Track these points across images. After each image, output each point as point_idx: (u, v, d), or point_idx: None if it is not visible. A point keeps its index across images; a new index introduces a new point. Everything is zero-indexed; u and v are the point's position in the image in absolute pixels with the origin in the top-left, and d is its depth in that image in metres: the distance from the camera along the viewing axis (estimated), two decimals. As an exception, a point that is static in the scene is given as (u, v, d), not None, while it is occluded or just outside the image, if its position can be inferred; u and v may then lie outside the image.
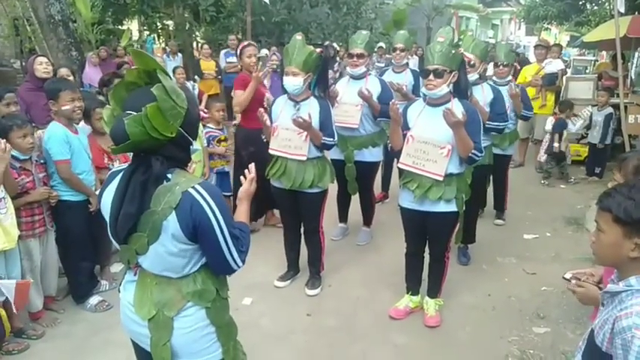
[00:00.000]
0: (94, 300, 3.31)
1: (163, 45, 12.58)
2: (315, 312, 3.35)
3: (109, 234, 1.59)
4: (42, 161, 3.07)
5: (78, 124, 3.29)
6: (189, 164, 1.68)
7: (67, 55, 7.52)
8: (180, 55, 9.60)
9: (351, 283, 3.73)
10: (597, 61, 12.77)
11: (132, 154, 1.57)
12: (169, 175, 1.53)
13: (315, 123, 3.20)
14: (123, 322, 1.74)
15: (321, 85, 3.34)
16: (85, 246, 3.17)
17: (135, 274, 1.66)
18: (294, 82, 3.14)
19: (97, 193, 2.85)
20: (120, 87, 1.54)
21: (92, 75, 7.57)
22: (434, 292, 3.23)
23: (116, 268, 3.76)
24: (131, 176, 1.51)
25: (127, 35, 12.09)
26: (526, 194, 5.71)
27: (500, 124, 3.73)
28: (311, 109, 3.22)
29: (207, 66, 8.40)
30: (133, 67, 1.55)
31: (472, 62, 3.41)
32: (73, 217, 3.13)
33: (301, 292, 3.58)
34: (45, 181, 3.05)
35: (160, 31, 12.97)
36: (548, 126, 6.33)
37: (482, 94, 3.69)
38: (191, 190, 1.51)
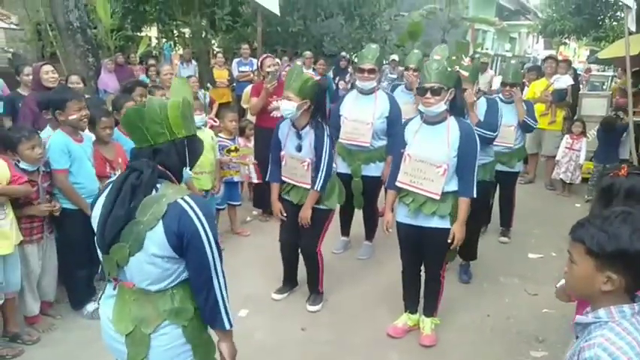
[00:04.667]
0: (91, 307, 3.33)
1: (180, 52, 12.73)
2: (310, 326, 3.33)
3: (95, 242, 1.61)
4: (48, 170, 3.10)
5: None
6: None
7: (83, 61, 7.65)
8: (194, 62, 9.69)
9: (348, 297, 3.71)
10: (615, 76, 12.59)
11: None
12: (158, 186, 1.57)
13: (311, 151, 3.25)
14: (103, 337, 1.76)
15: (317, 112, 3.31)
16: (82, 254, 3.17)
17: (114, 289, 1.67)
18: (287, 106, 3.18)
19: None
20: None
21: (107, 81, 7.72)
22: (430, 310, 3.19)
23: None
24: (124, 181, 1.56)
25: (145, 42, 12.26)
26: (534, 211, 5.62)
27: (487, 132, 3.67)
28: (310, 139, 3.27)
29: (220, 74, 8.48)
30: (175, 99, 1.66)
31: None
32: (72, 225, 3.15)
33: (298, 305, 3.57)
34: (49, 190, 3.08)
35: (176, 38, 13.14)
36: (563, 147, 6.26)
37: (476, 110, 3.67)
38: (180, 201, 1.55)
